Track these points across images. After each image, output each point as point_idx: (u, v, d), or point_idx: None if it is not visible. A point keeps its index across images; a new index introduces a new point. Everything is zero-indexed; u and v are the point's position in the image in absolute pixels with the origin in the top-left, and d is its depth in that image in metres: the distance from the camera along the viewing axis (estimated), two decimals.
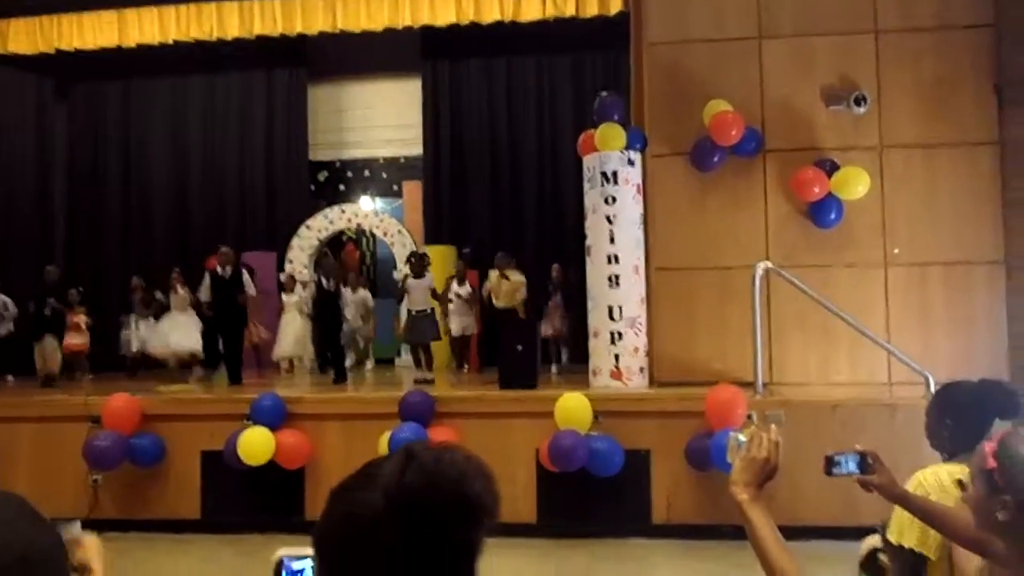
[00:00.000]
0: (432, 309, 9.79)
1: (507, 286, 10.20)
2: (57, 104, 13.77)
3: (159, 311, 10.85)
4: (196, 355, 10.28)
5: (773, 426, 1.99)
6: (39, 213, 13.25)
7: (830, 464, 2.44)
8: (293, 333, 11.49)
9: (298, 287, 11.77)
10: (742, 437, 1.93)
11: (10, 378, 10.64)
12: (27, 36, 11.81)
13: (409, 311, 9.75)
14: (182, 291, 10.36)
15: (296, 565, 1.23)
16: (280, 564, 1.24)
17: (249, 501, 7.59)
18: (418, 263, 9.88)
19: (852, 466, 2.44)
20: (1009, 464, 1.77)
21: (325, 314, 10.13)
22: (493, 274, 10.51)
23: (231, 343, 9.98)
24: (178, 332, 10.27)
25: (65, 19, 11.61)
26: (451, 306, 10.55)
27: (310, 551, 1.15)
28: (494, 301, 10.43)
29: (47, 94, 13.52)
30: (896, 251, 8.15)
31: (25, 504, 1.09)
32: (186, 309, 10.38)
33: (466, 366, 10.99)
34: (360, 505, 1.06)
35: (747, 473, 1.89)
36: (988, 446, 1.83)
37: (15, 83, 12.72)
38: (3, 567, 1.00)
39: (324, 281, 10.07)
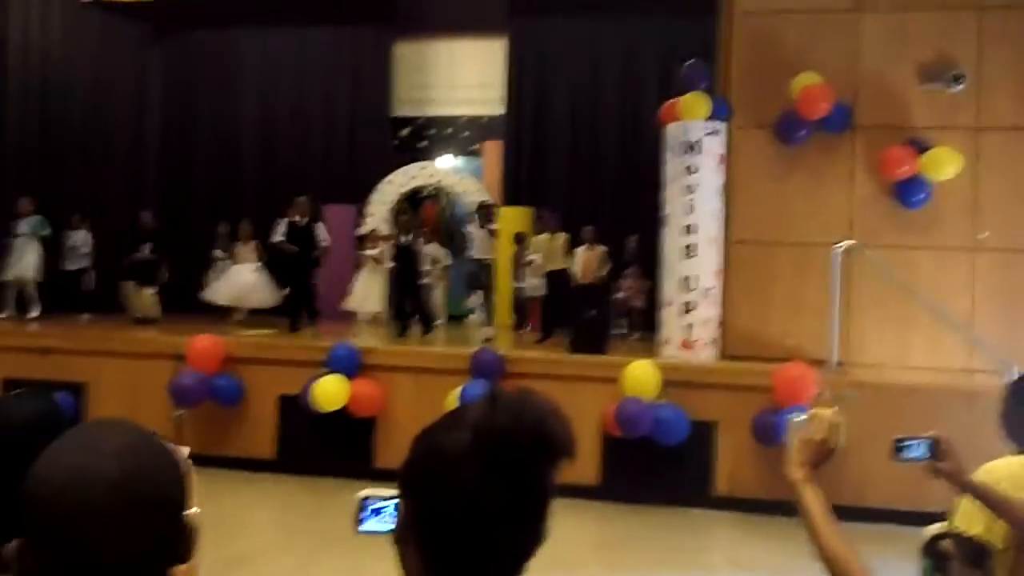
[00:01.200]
0: (492, 259, 9.92)
1: (583, 257, 10.19)
2: (153, 50, 14.17)
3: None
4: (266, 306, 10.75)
5: (835, 408, 2.01)
6: (133, 157, 13.71)
7: (899, 448, 2.43)
8: (367, 288, 11.69)
9: (380, 243, 11.98)
10: (802, 417, 1.97)
11: (85, 315, 11.06)
12: None
13: (471, 258, 9.91)
14: (250, 244, 10.78)
15: (378, 505, 1.31)
16: (362, 503, 1.32)
17: (321, 446, 7.86)
18: (482, 213, 10.04)
19: (922, 450, 2.42)
20: None
21: (404, 270, 10.32)
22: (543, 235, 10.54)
23: (303, 287, 10.28)
24: (249, 286, 10.70)
25: None
26: (527, 268, 10.68)
27: (391, 492, 1.24)
28: (544, 263, 10.47)
29: (144, 40, 13.91)
30: (985, 235, 7.91)
31: (153, 439, 1.19)
32: (252, 261, 10.79)
33: (528, 326, 11.04)
34: (448, 442, 1.14)
35: (803, 453, 1.93)
36: None
37: (114, 28, 13.12)
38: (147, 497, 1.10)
39: (403, 237, 10.29)
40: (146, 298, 10.59)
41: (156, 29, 13.96)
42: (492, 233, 10.43)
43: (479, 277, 9.94)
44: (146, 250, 10.72)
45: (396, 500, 1.21)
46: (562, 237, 10.28)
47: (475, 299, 9.81)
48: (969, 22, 8.00)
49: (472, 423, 1.14)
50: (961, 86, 7.82)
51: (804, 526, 1.89)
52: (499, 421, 1.12)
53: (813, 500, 1.90)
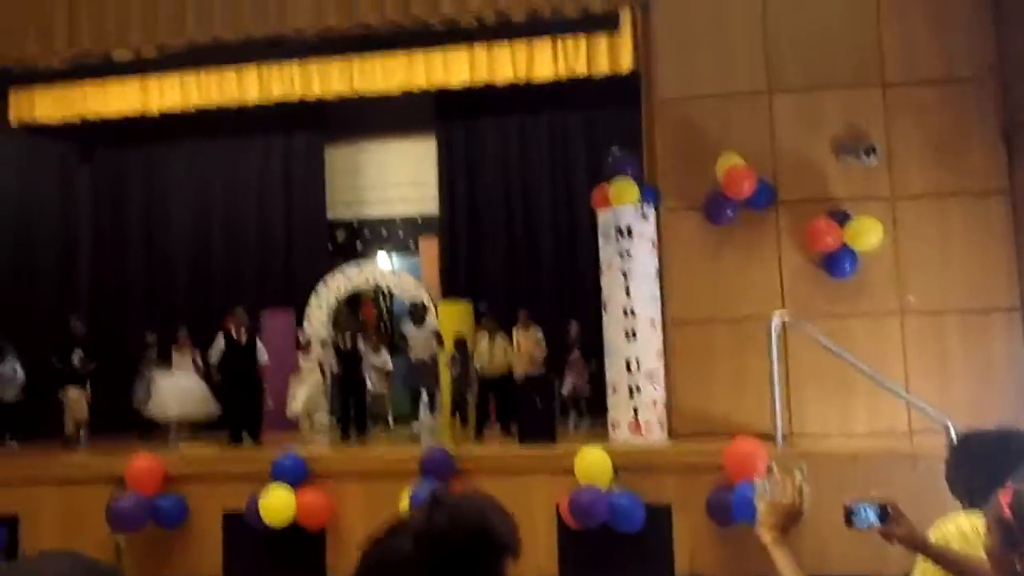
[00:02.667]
0: (432, 358, 9.89)
1: (519, 338, 10.25)
2: (81, 169, 14.06)
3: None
4: (209, 419, 10.52)
5: (798, 472, 2.05)
6: (63, 276, 13.45)
7: (849, 515, 2.44)
8: (307, 391, 11.51)
9: (315, 347, 11.85)
10: (768, 482, 2.01)
11: (13, 442, 10.67)
12: (54, 104, 12.14)
13: (410, 359, 9.85)
14: (187, 351, 10.62)
15: None
16: None
17: (270, 563, 7.58)
18: (418, 312, 10.05)
19: (872, 516, 2.44)
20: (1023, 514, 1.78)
21: (346, 375, 10.22)
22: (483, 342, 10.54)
23: (251, 405, 10.10)
24: (189, 397, 10.50)
25: (90, 87, 11.93)
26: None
27: None
28: (480, 366, 10.47)
29: (72, 159, 13.82)
30: (912, 299, 8.16)
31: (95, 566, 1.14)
32: (189, 370, 10.62)
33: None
34: (391, 551, 1.12)
35: (772, 516, 1.97)
36: (1003, 496, 1.84)
37: (41, 149, 13.03)
38: None
39: (341, 342, 10.24)
40: (76, 403, 10.30)
41: (83, 148, 13.89)
42: (435, 334, 10.35)
43: (422, 378, 9.88)
44: (76, 358, 10.45)
45: None
46: (502, 341, 10.32)
47: (422, 419, 9.71)
48: (875, 98, 8.41)
49: (412, 529, 1.12)
50: (874, 158, 8.16)
51: None
52: (437, 525, 1.11)
53: (784, 561, 1.93)
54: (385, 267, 14.07)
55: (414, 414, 10.17)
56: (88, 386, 10.57)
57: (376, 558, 1.14)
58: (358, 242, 14.57)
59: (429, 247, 13.88)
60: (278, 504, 7.29)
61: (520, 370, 9.99)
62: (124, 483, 7.67)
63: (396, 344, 12.78)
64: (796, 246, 8.35)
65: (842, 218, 8.15)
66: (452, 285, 13.33)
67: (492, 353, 10.31)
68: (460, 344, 10.89)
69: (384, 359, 11.20)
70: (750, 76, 8.58)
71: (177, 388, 10.66)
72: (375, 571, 1.14)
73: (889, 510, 2.44)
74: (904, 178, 8.30)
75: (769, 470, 2.14)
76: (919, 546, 2.58)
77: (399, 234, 14.52)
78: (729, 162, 8.21)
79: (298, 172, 14.06)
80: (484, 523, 1.12)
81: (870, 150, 8.17)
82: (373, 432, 10.72)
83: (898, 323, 8.18)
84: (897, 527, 2.44)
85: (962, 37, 8.33)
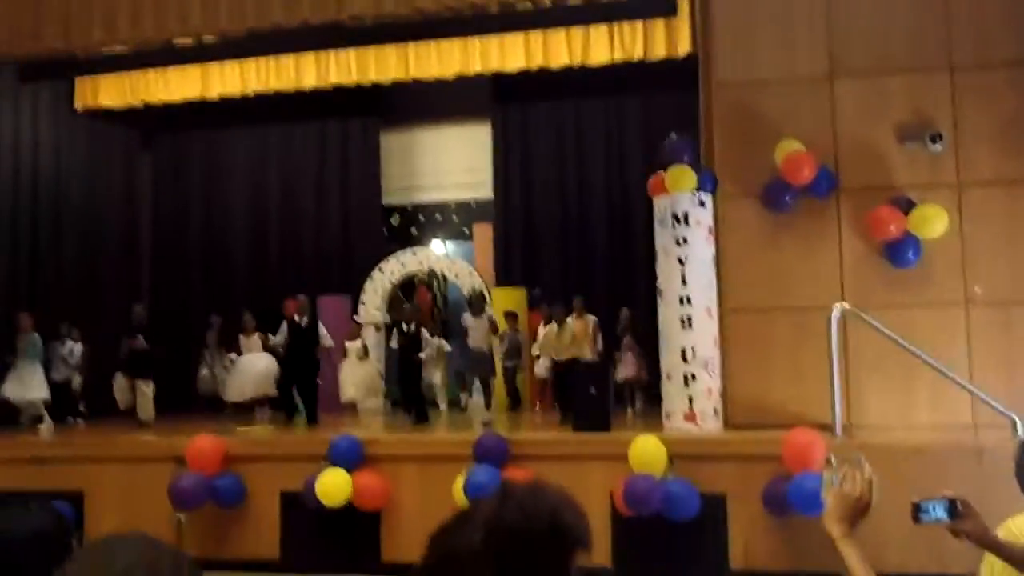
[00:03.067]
0: (490, 348, 9.94)
1: (575, 326, 10.26)
2: (143, 153, 14.39)
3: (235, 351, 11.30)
4: (269, 396, 10.73)
5: (867, 464, 2.03)
6: (125, 258, 13.79)
7: (918, 511, 2.40)
8: (355, 377, 11.63)
9: (364, 331, 11.97)
10: (836, 475, 2.00)
11: (78, 421, 11.00)
12: (117, 90, 12.41)
13: (468, 348, 9.93)
14: (253, 335, 10.83)
15: None
16: None
17: (326, 543, 7.70)
18: (476, 302, 10.10)
19: (940, 513, 2.40)
20: None
21: (407, 358, 10.33)
22: (551, 328, 10.57)
23: (308, 386, 10.29)
24: (263, 376, 10.72)
25: (152, 74, 12.16)
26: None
27: None
28: (549, 353, 10.48)
29: (134, 144, 14.14)
30: (978, 289, 7.94)
31: (164, 551, 1.16)
32: (259, 350, 10.84)
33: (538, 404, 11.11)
34: (460, 542, 1.12)
35: (840, 509, 1.96)
36: None
37: (104, 134, 13.35)
38: None
39: (404, 326, 10.33)
40: (142, 398, 10.49)
41: (145, 133, 14.20)
42: (491, 322, 10.38)
43: (477, 367, 9.94)
44: (140, 341, 10.64)
45: None
46: (568, 329, 10.29)
47: (468, 398, 9.80)
48: (943, 82, 8.16)
49: (483, 521, 1.12)
50: (940, 145, 7.94)
51: None
52: (509, 517, 1.10)
53: (853, 556, 1.92)
54: (439, 252, 14.14)
55: (464, 398, 10.26)
56: (150, 373, 10.74)
57: (445, 548, 1.14)
58: (412, 227, 14.68)
59: (483, 232, 13.91)
60: (335, 485, 7.39)
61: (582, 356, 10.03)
62: (185, 462, 7.84)
63: (449, 332, 12.88)
64: (857, 234, 8.17)
65: (906, 205, 7.94)
66: (506, 271, 13.37)
67: (560, 339, 10.28)
68: (511, 317, 10.95)
69: (439, 342, 11.34)
70: (811, 59, 8.40)
71: (252, 369, 10.86)
72: (444, 561, 1.14)
73: (959, 506, 2.39)
74: (971, 164, 8.06)
75: (828, 462, 2.12)
76: (988, 543, 2.53)
77: (453, 219, 14.58)
78: (789, 148, 8.06)
79: (354, 157, 14.20)
80: (556, 516, 1.11)
81: (936, 136, 7.94)
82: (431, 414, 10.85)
83: (963, 314, 7.97)
84: (966, 523, 2.40)
85: None
